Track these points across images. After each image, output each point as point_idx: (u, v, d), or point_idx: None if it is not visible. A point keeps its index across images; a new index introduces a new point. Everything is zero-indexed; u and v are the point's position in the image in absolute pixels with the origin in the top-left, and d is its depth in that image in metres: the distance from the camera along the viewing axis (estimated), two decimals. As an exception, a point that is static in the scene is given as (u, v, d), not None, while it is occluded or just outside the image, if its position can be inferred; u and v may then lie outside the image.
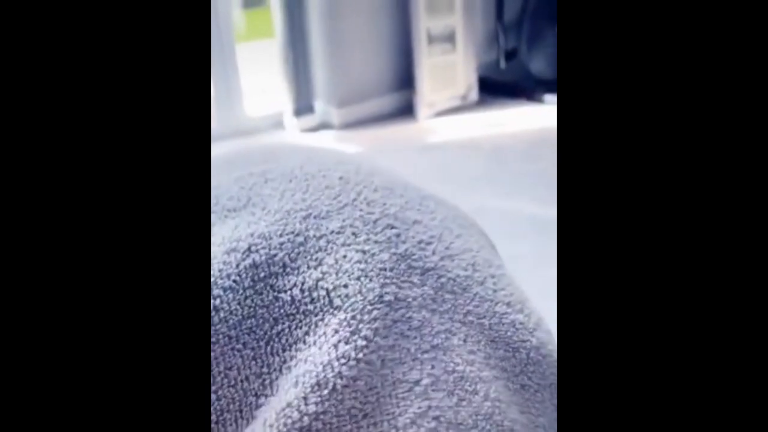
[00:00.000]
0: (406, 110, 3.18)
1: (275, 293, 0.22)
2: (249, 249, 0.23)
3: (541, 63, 3.27)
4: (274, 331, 0.22)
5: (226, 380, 0.21)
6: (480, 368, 0.23)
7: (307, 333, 0.22)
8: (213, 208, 0.25)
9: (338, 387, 0.20)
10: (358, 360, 0.21)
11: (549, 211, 2.14)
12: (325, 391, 0.20)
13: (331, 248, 0.24)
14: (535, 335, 0.25)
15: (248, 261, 0.22)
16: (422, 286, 0.24)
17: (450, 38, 3.18)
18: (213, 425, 0.21)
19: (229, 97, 2.94)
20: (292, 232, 0.24)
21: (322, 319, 0.22)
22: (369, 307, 0.22)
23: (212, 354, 0.21)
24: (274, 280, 0.22)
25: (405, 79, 3.17)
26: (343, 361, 0.21)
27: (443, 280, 0.24)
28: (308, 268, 0.23)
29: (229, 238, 0.23)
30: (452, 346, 0.23)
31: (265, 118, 3.09)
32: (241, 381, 0.21)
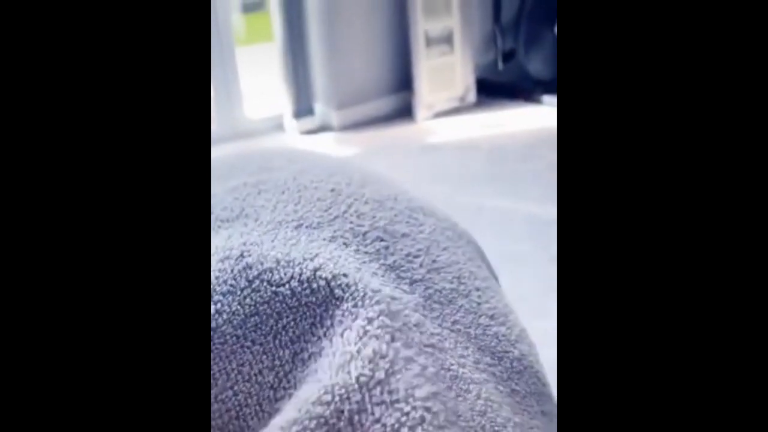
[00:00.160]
0: (404, 112, 3.18)
1: (273, 288, 0.22)
2: (241, 255, 0.23)
3: (538, 64, 3.27)
4: (279, 325, 0.22)
5: (240, 376, 0.22)
6: (471, 371, 0.24)
7: (313, 324, 0.22)
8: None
9: (359, 379, 0.21)
10: (374, 340, 0.22)
11: (547, 210, 2.14)
12: (350, 380, 0.21)
13: (324, 247, 0.24)
14: (516, 347, 0.26)
15: (241, 264, 0.23)
16: (412, 294, 0.24)
17: (448, 40, 3.18)
18: (234, 420, 0.21)
19: (229, 100, 2.95)
20: (284, 238, 0.24)
21: (326, 311, 0.22)
22: (371, 294, 0.23)
23: (223, 353, 0.22)
24: (270, 275, 0.23)
25: (403, 81, 3.17)
26: (359, 348, 0.21)
27: (430, 291, 0.25)
28: (303, 260, 0.23)
29: (222, 248, 0.24)
30: (445, 347, 0.23)
31: (265, 121, 3.09)
32: (255, 375, 0.21)
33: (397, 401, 0.21)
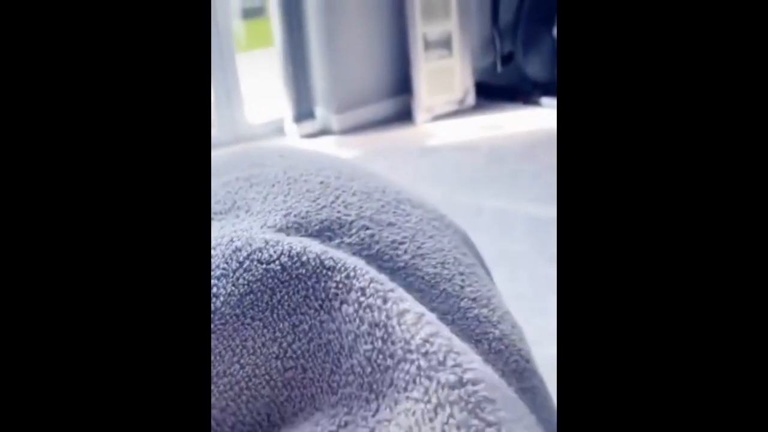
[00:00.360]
0: (404, 115, 3.18)
1: (264, 266, 0.23)
2: (231, 240, 0.24)
3: (536, 66, 3.28)
4: (274, 300, 0.23)
5: (245, 350, 0.22)
6: None
7: (306, 297, 0.23)
8: None
9: (366, 354, 0.22)
10: (369, 312, 0.23)
11: (545, 211, 2.15)
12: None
13: (309, 241, 0.25)
14: (498, 327, 0.27)
15: (231, 248, 0.24)
16: (392, 283, 0.24)
17: (446, 43, 3.19)
18: (245, 390, 0.22)
19: (230, 104, 2.95)
20: (273, 226, 0.25)
21: (317, 282, 0.23)
22: (361, 266, 0.24)
23: (226, 332, 0.22)
24: (259, 254, 0.23)
25: (403, 85, 3.18)
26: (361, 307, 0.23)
27: (411, 279, 0.26)
28: (292, 240, 0.24)
29: (216, 237, 0.25)
30: None
31: (266, 125, 3.09)
32: (259, 348, 0.22)
33: (402, 356, 0.22)
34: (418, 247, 0.27)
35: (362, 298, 0.23)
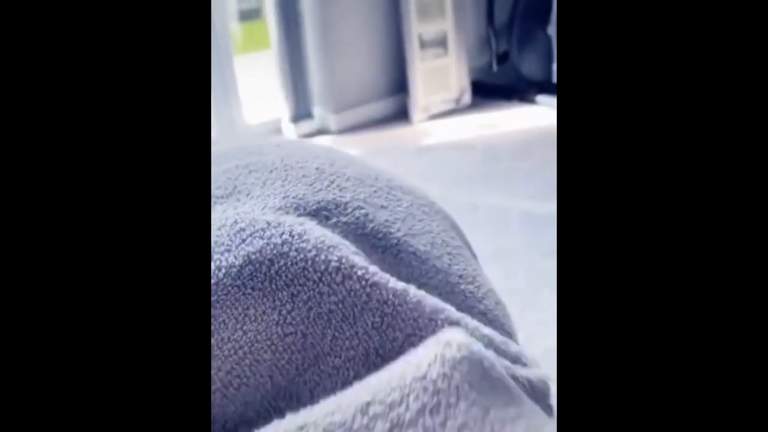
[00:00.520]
0: (401, 114, 3.18)
1: (264, 241, 0.25)
2: (235, 221, 0.26)
3: (532, 65, 3.28)
4: (272, 271, 0.24)
5: (246, 318, 0.24)
6: None
7: (305, 268, 0.24)
8: None
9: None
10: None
11: (540, 207, 2.15)
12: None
13: (308, 222, 0.26)
14: (483, 302, 0.28)
15: (235, 228, 0.25)
16: (381, 263, 0.26)
17: (442, 43, 3.19)
18: (248, 354, 0.23)
19: (228, 105, 2.95)
20: (273, 206, 0.27)
21: (317, 255, 0.24)
22: (356, 228, 0.26)
23: (228, 302, 0.24)
24: (261, 233, 0.25)
25: (399, 84, 3.18)
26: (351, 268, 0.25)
27: (403, 255, 0.27)
28: (293, 222, 0.26)
29: (219, 218, 0.26)
30: None
31: (264, 125, 3.09)
32: (260, 315, 0.24)
33: (411, 331, 0.24)
34: (410, 228, 0.28)
35: (367, 276, 0.24)
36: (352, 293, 0.24)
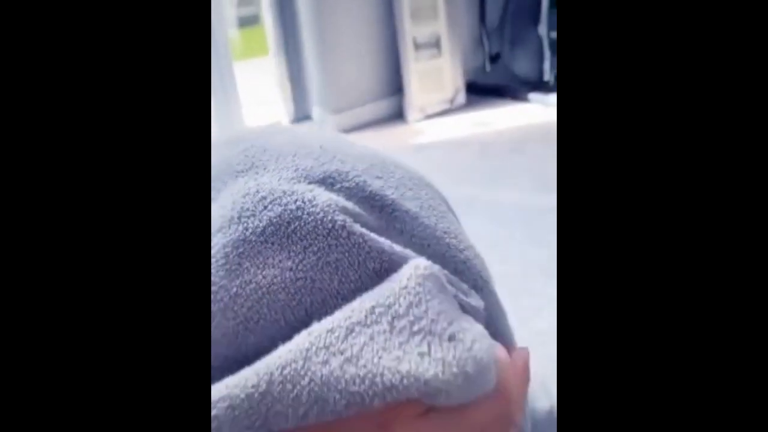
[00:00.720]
0: (397, 114, 3.19)
1: (282, 207, 0.29)
2: (257, 191, 0.30)
3: (524, 64, 3.28)
4: (290, 229, 0.29)
5: (266, 264, 0.28)
6: None
7: (315, 227, 0.29)
8: (227, 170, 0.33)
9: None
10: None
11: (534, 199, 2.16)
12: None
13: (317, 188, 0.31)
14: (463, 254, 0.33)
15: (257, 197, 0.30)
16: (379, 221, 0.31)
17: (436, 44, 3.19)
18: (266, 295, 0.28)
19: (228, 109, 2.95)
20: (287, 178, 0.31)
21: (325, 216, 0.29)
22: (357, 192, 0.31)
23: (252, 253, 0.28)
24: (280, 199, 0.29)
25: (395, 85, 3.18)
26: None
27: (397, 213, 0.32)
28: (305, 191, 0.30)
29: (242, 188, 0.31)
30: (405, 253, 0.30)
31: (264, 128, 3.09)
32: (278, 263, 0.28)
33: (408, 274, 0.28)
34: (401, 194, 0.33)
35: (367, 233, 0.29)
36: (356, 246, 0.29)
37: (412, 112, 3.15)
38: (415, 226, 0.32)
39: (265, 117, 3.18)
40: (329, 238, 0.28)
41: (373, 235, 0.29)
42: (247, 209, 0.29)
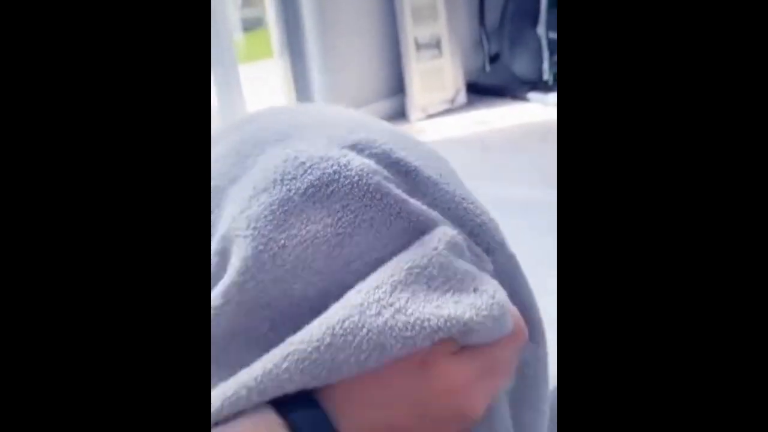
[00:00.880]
0: (399, 114, 3.18)
1: (321, 171, 0.32)
2: (296, 157, 0.33)
3: (523, 64, 3.27)
4: (329, 191, 0.32)
5: (309, 221, 0.32)
6: None
7: (352, 188, 0.32)
8: (264, 139, 0.35)
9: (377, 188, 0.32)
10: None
11: (532, 194, 2.17)
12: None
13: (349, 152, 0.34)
14: (479, 218, 0.36)
15: (297, 162, 0.33)
16: (405, 184, 0.34)
17: (437, 45, 3.19)
18: (309, 247, 0.31)
19: (233, 111, 2.95)
20: (322, 144, 0.34)
21: (360, 179, 0.32)
22: (385, 158, 0.34)
23: (292, 203, 0.31)
24: (318, 164, 0.32)
25: (397, 86, 3.18)
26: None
27: (419, 179, 0.34)
28: (339, 156, 0.33)
29: (281, 154, 0.33)
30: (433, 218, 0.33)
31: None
32: (319, 219, 0.31)
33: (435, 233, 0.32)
34: (423, 163, 0.35)
35: (399, 194, 0.32)
36: (389, 206, 0.32)
37: (414, 112, 3.15)
38: (436, 191, 0.34)
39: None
40: (365, 199, 0.32)
41: (404, 196, 0.32)
42: (289, 173, 0.32)
